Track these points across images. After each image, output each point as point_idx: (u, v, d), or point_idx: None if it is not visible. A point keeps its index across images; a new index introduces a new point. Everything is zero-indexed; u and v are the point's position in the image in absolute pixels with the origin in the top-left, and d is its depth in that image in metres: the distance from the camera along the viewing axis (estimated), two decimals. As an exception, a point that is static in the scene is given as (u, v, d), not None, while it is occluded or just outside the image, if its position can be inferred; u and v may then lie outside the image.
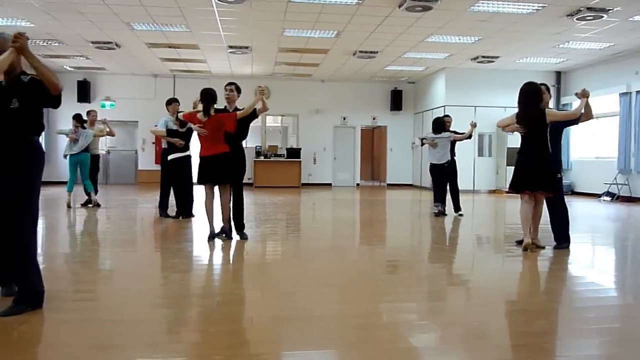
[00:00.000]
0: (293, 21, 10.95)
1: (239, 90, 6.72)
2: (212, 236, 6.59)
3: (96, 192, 10.68)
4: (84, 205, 10.54)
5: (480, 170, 16.21)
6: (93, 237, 7.52)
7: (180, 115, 7.52)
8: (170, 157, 8.68)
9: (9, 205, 3.43)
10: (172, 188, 8.94)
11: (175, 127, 8.54)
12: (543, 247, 6.27)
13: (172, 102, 8.91)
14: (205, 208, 6.67)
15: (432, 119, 16.92)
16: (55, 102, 3.57)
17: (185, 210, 8.84)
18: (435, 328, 3.47)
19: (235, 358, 2.88)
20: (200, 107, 6.61)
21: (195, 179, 6.97)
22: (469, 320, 3.69)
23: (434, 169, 9.76)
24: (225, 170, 6.49)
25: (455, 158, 9.86)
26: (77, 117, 10.30)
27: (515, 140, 15.52)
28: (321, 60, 14.98)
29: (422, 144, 10.10)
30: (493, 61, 14.66)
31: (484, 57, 14.24)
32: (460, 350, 3.10)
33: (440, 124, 9.77)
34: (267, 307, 3.86)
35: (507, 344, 3.24)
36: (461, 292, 4.59)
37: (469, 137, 9.99)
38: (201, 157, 6.54)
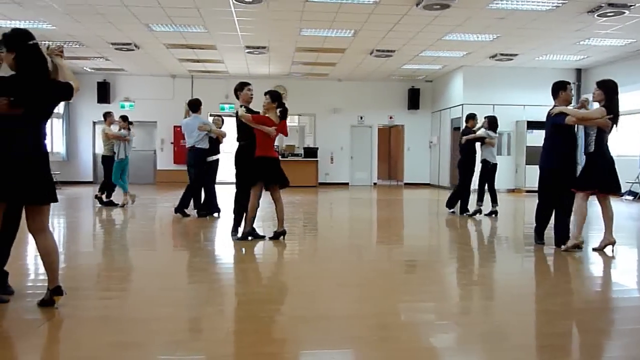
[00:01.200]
0: (310, 21, 10.95)
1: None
2: (250, 234, 6.60)
3: (111, 192, 10.74)
4: (112, 205, 10.53)
5: (499, 169, 15.97)
6: (115, 235, 7.61)
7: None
8: (209, 159, 9.00)
9: None
10: (201, 187, 9.05)
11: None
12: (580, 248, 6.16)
13: (201, 104, 9.21)
14: (252, 207, 6.53)
15: (450, 118, 16.97)
16: None
17: (215, 208, 8.98)
18: (455, 328, 3.45)
19: (256, 357, 2.90)
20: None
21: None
22: (489, 320, 3.67)
23: (493, 168, 9.69)
24: (281, 173, 6.61)
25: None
26: (127, 119, 10.54)
27: (534, 139, 15.41)
28: (338, 59, 14.96)
29: (483, 143, 9.79)
30: (512, 59, 14.52)
31: (502, 54, 14.10)
32: (480, 351, 3.08)
33: (496, 123, 9.76)
34: (287, 307, 3.88)
35: (528, 344, 3.21)
36: (481, 292, 4.56)
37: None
38: (264, 158, 6.44)
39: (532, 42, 12.71)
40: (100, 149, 17.54)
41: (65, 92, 3.62)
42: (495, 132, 9.67)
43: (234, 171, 6.76)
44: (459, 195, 9.77)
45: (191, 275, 5.03)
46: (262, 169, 6.43)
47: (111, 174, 10.44)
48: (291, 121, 19.33)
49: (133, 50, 13.72)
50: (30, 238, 3.52)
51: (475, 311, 3.94)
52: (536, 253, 6.12)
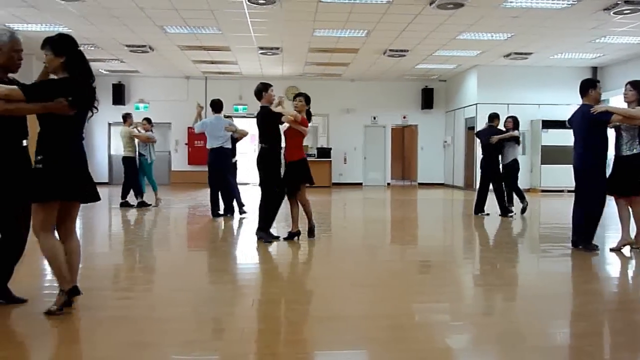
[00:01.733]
0: (323, 21, 10.96)
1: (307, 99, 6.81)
2: (297, 234, 6.70)
3: (127, 194, 10.79)
4: (144, 205, 10.56)
5: (513, 169, 15.94)
6: (131, 236, 7.67)
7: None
8: (233, 160, 9.25)
9: None
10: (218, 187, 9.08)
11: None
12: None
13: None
14: (310, 208, 6.75)
15: (464, 117, 16.87)
16: None
17: (230, 209, 9.06)
18: (470, 329, 3.44)
19: (271, 357, 2.91)
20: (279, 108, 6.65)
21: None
22: (505, 321, 3.65)
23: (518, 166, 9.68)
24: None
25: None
26: (150, 120, 10.78)
27: (549, 138, 15.29)
28: (351, 59, 14.95)
29: (518, 143, 9.74)
30: (526, 58, 14.40)
31: (516, 53, 13.99)
32: (495, 352, 3.06)
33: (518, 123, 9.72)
34: (302, 307, 3.88)
35: (545, 345, 3.18)
36: (496, 292, 4.53)
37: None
38: (303, 160, 6.63)
39: (546, 41, 12.60)
40: (116, 150, 17.85)
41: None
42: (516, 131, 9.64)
43: (255, 173, 6.79)
44: (502, 197, 9.56)
45: (207, 275, 5.06)
46: (307, 170, 6.57)
47: (132, 175, 10.51)
48: (304, 121, 19.37)
49: (147, 52, 13.82)
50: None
51: (491, 312, 3.91)
52: (552, 253, 6.07)
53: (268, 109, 6.56)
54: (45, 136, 3.46)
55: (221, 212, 8.96)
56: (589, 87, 6.09)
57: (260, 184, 6.67)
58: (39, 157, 3.44)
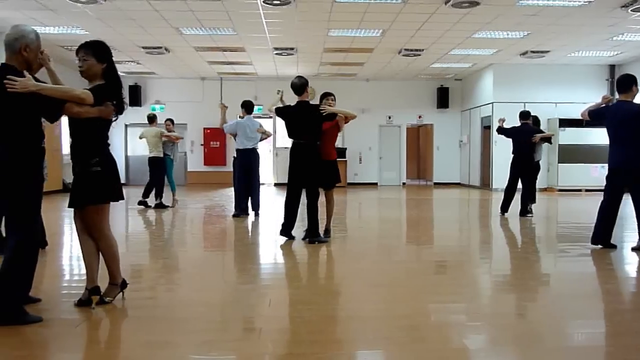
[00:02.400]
0: (338, 21, 10.96)
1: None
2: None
3: (149, 194, 10.88)
4: (162, 206, 10.60)
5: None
6: (149, 236, 7.74)
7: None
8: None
9: None
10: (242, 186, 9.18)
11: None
12: (615, 247, 6.03)
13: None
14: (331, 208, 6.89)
15: (480, 116, 16.76)
16: None
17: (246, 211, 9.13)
18: (487, 329, 3.42)
19: (289, 357, 2.93)
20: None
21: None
22: (523, 321, 3.62)
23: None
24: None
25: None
26: (173, 121, 11.01)
27: (567, 137, 15.13)
28: (366, 59, 14.94)
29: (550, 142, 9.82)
30: (543, 56, 14.27)
31: (533, 52, 13.88)
32: (513, 353, 3.04)
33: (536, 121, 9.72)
34: (318, 307, 3.89)
35: (564, 347, 3.16)
36: (514, 292, 4.50)
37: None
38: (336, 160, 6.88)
39: (563, 39, 12.48)
40: (132, 152, 18.02)
41: None
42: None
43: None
44: (527, 197, 9.47)
45: (225, 275, 5.09)
46: (338, 170, 6.80)
47: (158, 175, 10.60)
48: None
49: (164, 53, 13.94)
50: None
51: (509, 312, 3.88)
52: (571, 253, 6.01)
53: (312, 104, 6.55)
54: (97, 140, 3.67)
55: (246, 212, 9.10)
56: (632, 83, 5.82)
57: (306, 183, 6.51)
58: (96, 160, 3.59)
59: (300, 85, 6.54)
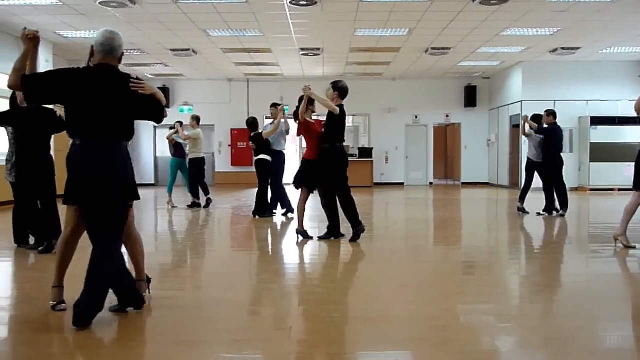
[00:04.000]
0: (364, 21, 10.95)
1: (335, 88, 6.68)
2: (302, 235, 6.73)
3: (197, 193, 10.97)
4: (197, 206, 10.76)
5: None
6: (178, 236, 7.85)
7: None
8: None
9: None
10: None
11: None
12: (634, 247, 5.92)
13: (272, 106, 9.35)
14: (297, 207, 6.81)
15: (508, 115, 16.54)
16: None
17: (263, 209, 9.09)
18: (517, 331, 3.38)
19: (317, 357, 2.94)
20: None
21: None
22: (553, 323, 3.57)
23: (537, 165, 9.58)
24: (301, 174, 6.69)
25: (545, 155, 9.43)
26: (197, 117, 11.02)
27: (598, 135, 14.83)
28: (392, 58, 14.88)
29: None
30: (573, 53, 14.01)
31: (563, 49, 13.64)
32: (544, 355, 3.00)
33: (537, 120, 9.56)
34: (347, 307, 3.90)
35: (594, 348, 3.11)
36: (544, 294, 4.43)
37: (524, 133, 9.72)
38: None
39: (595, 35, 12.23)
40: (161, 152, 18.26)
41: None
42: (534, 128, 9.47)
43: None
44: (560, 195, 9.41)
45: (252, 275, 5.13)
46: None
47: (196, 176, 10.75)
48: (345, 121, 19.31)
49: (191, 55, 14.11)
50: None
51: (539, 314, 3.83)
52: (602, 254, 5.90)
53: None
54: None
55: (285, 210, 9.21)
56: None
57: (339, 185, 6.60)
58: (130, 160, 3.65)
59: (347, 89, 6.73)
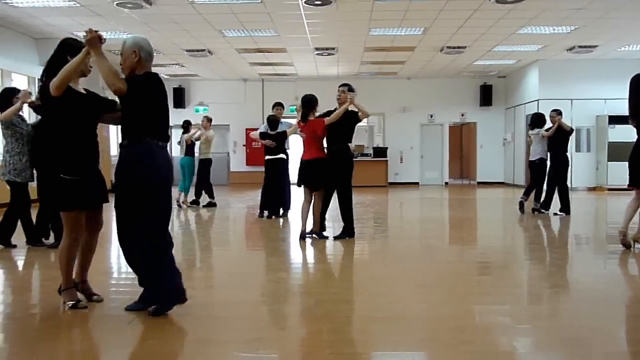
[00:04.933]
0: (379, 20, 10.92)
1: (351, 90, 6.74)
2: (302, 236, 6.68)
3: (199, 195, 11.06)
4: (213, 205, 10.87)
5: (578, 167, 15.34)
6: (193, 236, 7.90)
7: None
8: (265, 158, 9.08)
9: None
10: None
11: (266, 130, 8.93)
12: None
13: (275, 106, 9.28)
14: (301, 209, 6.77)
15: (524, 114, 16.39)
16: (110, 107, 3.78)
17: (277, 210, 9.04)
18: (534, 332, 3.36)
19: (334, 357, 2.94)
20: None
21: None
22: (571, 324, 3.53)
23: (528, 165, 9.55)
24: (315, 175, 6.58)
25: (549, 154, 9.32)
26: (210, 118, 11.01)
27: (617, 134, 14.63)
28: (407, 57, 14.83)
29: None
30: (591, 51, 13.85)
31: (580, 47, 13.48)
32: (561, 357, 2.98)
33: (537, 120, 9.38)
34: (363, 307, 3.90)
35: (614, 351, 3.07)
36: (561, 294, 4.39)
37: (552, 135, 9.58)
38: (300, 161, 6.78)
39: (613, 32, 12.08)
40: (177, 153, 18.34)
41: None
42: (533, 128, 9.35)
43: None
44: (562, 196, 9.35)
45: (267, 274, 5.15)
46: (298, 171, 6.76)
47: (207, 176, 10.84)
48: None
49: (207, 56, 14.18)
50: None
51: (556, 315, 3.80)
52: (620, 255, 5.82)
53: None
54: None
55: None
56: None
57: (346, 186, 6.72)
58: None
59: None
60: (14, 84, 11.13)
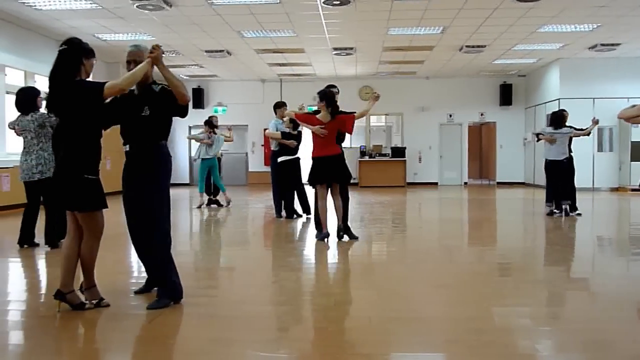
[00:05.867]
0: (398, 19, 10.88)
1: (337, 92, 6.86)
2: (325, 236, 6.62)
3: (216, 194, 11.17)
4: (210, 204, 11.01)
5: (600, 167, 15.14)
6: (213, 236, 7.96)
7: (288, 115, 7.67)
8: (280, 159, 8.90)
9: (145, 208, 3.76)
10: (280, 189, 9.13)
11: (287, 130, 8.80)
12: None
13: (280, 106, 9.19)
14: (319, 209, 6.65)
15: (545, 114, 16.19)
16: (183, 112, 3.86)
17: (295, 210, 9.03)
18: (554, 334, 3.33)
19: (354, 357, 2.94)
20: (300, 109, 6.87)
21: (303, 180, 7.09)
22: (593, 327, 3.48)
23: (550, 165, 9.19)
24: (339, 171, 6.55)
25: (572, 155, 9.23)
26: (209, 123, 10.91)
27: (640, 133, 14.41)
28: (426, 57, 14.75)
29: (538, 140, 9.58)
30: (614, 49, 13.64)
31: (602, 45, 13.28)
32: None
33: (560, 118, 9.19)
34: (382, 307, 3.89)
35: (637, 354, 3.02)
36: (582, 296, 4.34)
37: (588, 134, 9.41)
38: (316, 158, 6.57)
39: (636, 31, 11.89)
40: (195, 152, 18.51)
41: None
42: (556, 128, 9.06)
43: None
44: (572, 194, 9.21)
45: (287, 274, 5.15)
46: (311, 170, 6.59)
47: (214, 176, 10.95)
48: (378, 121, 19.27)
49: (225, 56, 14.26)
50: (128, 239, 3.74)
51: (578, 317, 3.75)
52: (645, 256, 5.73)
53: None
54: None
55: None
56: None
57: (347, 183, 6.79)
58: None
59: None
60: (36, 85, 11.34)
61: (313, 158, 6.60)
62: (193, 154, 18.70)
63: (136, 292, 4.08)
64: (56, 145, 3.76)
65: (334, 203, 6.62)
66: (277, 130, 8.92)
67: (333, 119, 6.49)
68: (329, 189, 6.63)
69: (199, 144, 10.94)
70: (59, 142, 3.69)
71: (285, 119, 8.88)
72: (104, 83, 3.57)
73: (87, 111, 3.60)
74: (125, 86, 3.61)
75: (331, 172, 6.54)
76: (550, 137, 9.06)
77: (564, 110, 9.51)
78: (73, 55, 3.67)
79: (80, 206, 3.60)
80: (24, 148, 6.08)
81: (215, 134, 10.84)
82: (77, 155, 3.60)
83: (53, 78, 3.64)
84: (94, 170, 3.64)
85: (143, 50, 3.82)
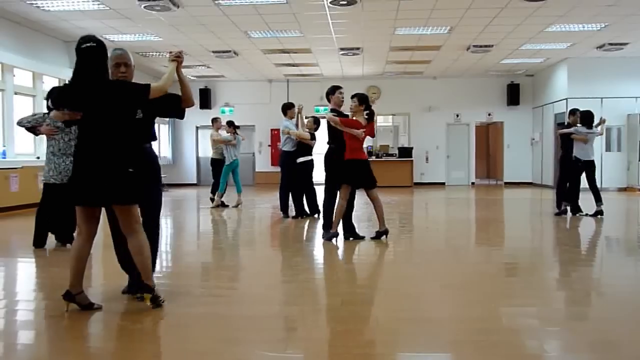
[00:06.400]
0: (405, 19, 10.87)
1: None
2: (334, 235, 6.64)
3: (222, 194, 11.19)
4: (223, 205, 10.96)
5: (608, 167, 15.04)
6: (219, 236, 7.98)
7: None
8: (299, 160, 8.90)
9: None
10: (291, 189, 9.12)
11: (307, 131, 8.91)
12: None
13: (290, 107, 9.25)
14: (339, 209, 6.56)
15: (553, 113, 16.13)
16: (182, 114, 4.09)
17: (310, 209, 9.04)
18: (562, 335, 3.32)
19: (362, 357, 2.94)
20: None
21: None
22: (600, 328, 3.46)
23: (584, 166, 8.99)
24: (371, 175, 6.62)
25: (562, 154, 9.20)
26: (232, 124, 10.95)
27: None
28: (433, 56, 14.72)
29: (570, 138, 9.39)
30: (622, 48, 13.56)
31: (611, 44, 13.21)
32: (594, 360, 2.93)
33: (591, 118, 9.07)
34: (390, 308, 3.89)
35: (647, 355, 3.01)
36: (591, 297, 4.32)
37: (601, 134, 9.37)
38: (353, 161, 6.48)
39: (645, 30, 11.82)
40: (203, 153, 18.57)
41: None
42: (589, 127, 8.97)
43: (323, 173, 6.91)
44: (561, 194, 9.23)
45: (294, 274, 5.17)
46: (351, 172, 6.47)
47: (216, 175, 10.92)
48: (385, 121, 19.23)
49: (232, 57, 14.30)
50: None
51: (585, 318, 3.74)
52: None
53: (337, 111, 6.70)
54: None
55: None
56: None
57: (325, 183, 6.86)
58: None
59: (325, 94, 6.98)
60: (45, 87, 11.41)
61: (349, 160, 6.49)
62: (199, 154, 18.84)
63: (123, 292, 4.05)
64: (86, 143, 3.65)
65: (375, 205, 6.61)
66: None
67: (368, 122, 6.57)
68: (367, 192, 6.64)
69: (222, 146, 10.90)
70: (90, 139, 3.62)
71: (307, 120, 8.97)
72: (149, 85, 3.66)
73: (130, 110, 3.73)
74: (167, 88, 3.77)
75: (364, 176, 6.56)
76: (584, 137, 8.92)
77: (575, 109, 9.43)
78: (103, 53, 3.68)
79: (126, 199, 3.63)
80: (60, 149, 5.88)
81: (238, 134, 10.89)
82: (121, 150, 3.62)
83: (86, 75, 3.59)
84: (133, 165, 3.70)
85: (127, 53, 3.90)
